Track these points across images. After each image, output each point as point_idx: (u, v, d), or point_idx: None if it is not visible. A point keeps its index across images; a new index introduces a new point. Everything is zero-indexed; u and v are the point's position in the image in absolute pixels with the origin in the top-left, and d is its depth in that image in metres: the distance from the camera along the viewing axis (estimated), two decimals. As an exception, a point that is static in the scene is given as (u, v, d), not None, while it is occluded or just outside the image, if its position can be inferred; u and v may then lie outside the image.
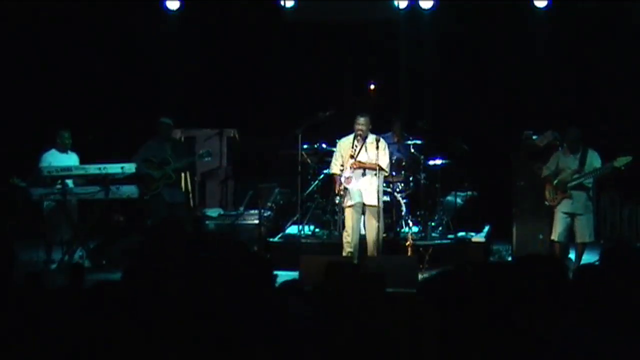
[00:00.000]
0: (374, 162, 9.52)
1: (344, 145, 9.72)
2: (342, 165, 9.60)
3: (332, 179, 9.93)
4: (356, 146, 9.52)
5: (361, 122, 9.54)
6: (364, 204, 9.60)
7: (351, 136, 9.65)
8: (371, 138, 9.65)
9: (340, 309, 3.83)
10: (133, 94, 12.84)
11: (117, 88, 12.84)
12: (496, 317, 3.40)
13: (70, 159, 10.80)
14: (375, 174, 9.56)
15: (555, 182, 9.81)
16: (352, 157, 9.51)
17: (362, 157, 9.56)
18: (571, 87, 12.43)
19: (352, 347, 3.69)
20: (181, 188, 10.85)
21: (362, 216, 9.70)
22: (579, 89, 12.39)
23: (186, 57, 13.20)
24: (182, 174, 11.02)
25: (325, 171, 10.43)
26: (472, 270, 3.86)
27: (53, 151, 10.77)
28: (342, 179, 9.47)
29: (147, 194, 10.58)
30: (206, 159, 11.08)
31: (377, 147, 9.56)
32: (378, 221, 9.63)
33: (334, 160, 9.83)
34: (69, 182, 10.63)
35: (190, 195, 10.95)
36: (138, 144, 10.84)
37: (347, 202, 9.52)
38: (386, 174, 9.73)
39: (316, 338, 3.69)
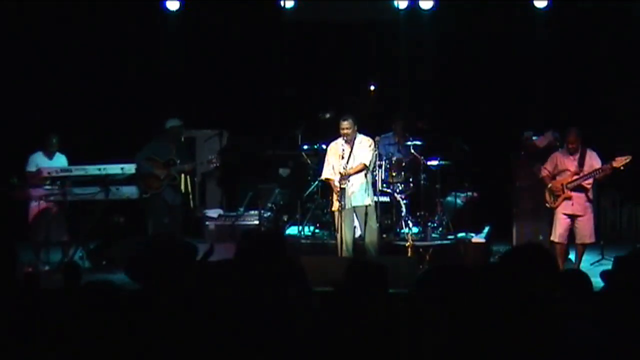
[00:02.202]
0: (358, 164, 9.57)
1: (333, 149, 9.78)
2: (333, 168, 9.65)
3: (327, 183, 9.94)
4: (345, 149, 9.55)
5: (345, 125, 9.58)
6: (356, 207, 9.61)
7: (340, 140, 9.70)
8: (359, 138, 9.70)
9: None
10: (133, 94, 12.80)
11: (116, 88, 12.80)
12: (496, 318, 3.39)
13: (57, 162, 10.81)
14: (365, 175, 9.60)
15: (549, 186, 9.80)
16: (342, 157, 9.54)
17: (353, 159, 9.58)
18: (571, 87, 12.39)
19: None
20: (180, 190, 10.81)
21: (355, 218, 9.71)
22: (578, 89, 12.36)
23: (186, 57, 13.17)
24: (182, 176, 10.98)
25: (318, 179, 10.46)
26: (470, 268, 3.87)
27: (39, 153, 10.80)
28: (336, 182, 9.51)
29: (148, 192, 10.55)
30: (213, 166, 11.05)
31: (364, 147, 9.65)
32: (373, 221, 9.65)
33: (325, 165, 9.85)
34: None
35: (191, 196, 10.87)
36: (138, 144, 10.81)
37: (339, 205, 9.50)
38: (366, 171, 9.70)
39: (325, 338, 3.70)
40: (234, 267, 4.05)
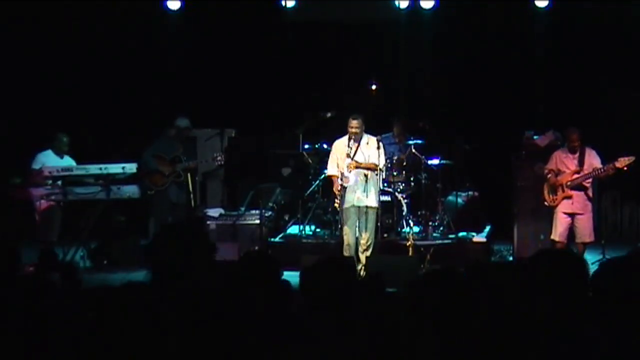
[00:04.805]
0: (370, 162, 9.56)
1: (339, 146, 9.74)
2: (338, 166, 9.63)
3: (330, 180, 9.94)
4: (351, 147, 9.52)
5: (354, 124, 9.55)
6: (360, 206, 9.59)
7: (346, 137, 9.66)
8: (366, 138, 9.68)
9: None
10: (133, 93, 12.77)
11: (117, 88, 12.77)
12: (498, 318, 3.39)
13: (66, 163, 10.80)
14: (370, 175, 9.57)
15: (550, 180, 9.77)
16: (348, 156, 9.51)
17: (359, 158, 9.57)
18: (572, 87, 12.31)
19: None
20: (184, 189, 10.80)
21: (358, 217, 9.67)
22: (580, 88, 12.30)
23: (186, 56, 13.15)
24: (188, 175, 10.95)
25: (324, 171, 10.48)
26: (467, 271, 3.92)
27: (49, 152, 10.79)
28: (340, 179, 9.48)
29: (153, 189, 10.56)
30: (218, 163, 11.01)
31: (373, 147, 9.61)
32: (373, 222, 9.64)
33: (330, 162, 9.85)
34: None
35: (192, 195, 10.85)
36: (138, 143, 10.86)
37: (344, 203, 9.51)
38: (377, 172, 9.69)
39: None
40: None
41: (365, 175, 9.56)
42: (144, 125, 12.09)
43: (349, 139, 9.58)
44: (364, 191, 9.56)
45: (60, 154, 10.81)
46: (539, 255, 3.51)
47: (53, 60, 12.63)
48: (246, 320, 3.68)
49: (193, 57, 13.16)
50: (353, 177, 9.51)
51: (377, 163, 9.59)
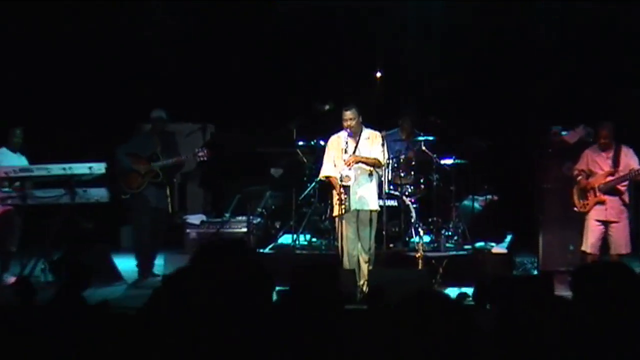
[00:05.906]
0: (375, 158, 8.92)
1: (334, 142, 9.08)
2: (334, 165, 8.98)
3: (328, 182, 9.26)
4: (348, 142, 8.85)
5: (348, 115, 8.86)
6: (361, 210, 8.92)
7: (342, 133, 9.00)
8: (367, 133, 9.03)
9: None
10: (108, 85, 12.31)
11: (89, 78, 12.29)
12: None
13: (19, 161, 10.28)
14: (371, 175, 8.90)
15: (580, 182, 9.20)
16: (345, 151, 8.84)
17: (358, 153, 8.95)
18: (607, 77, 11.77)
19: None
20: (166, 191, 10.23)
21: (359, 223, 9.01)
22: (614, 79, 11.77)
23: (168, 43, 12.83)
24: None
25: (316, 179, 10.09)
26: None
27: (4, 149, 10.31)
28: (340, 180, 8.77)
29: (128, 192, 10.00)
30: (200, 159, 10.35)
31: (376, 143, 8.97)
32: (374, 228, 8.99)
33: (325, 162, 9.17)
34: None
35: (169, 199, 10.30)
36: (110, 140, 10.43)
37: (343, 210, 8.81)
38: (379, 171, 9.10)
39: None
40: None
41: (369, 172, 8.87)
42: (119, 120, 11.70)
43: (346, 133, 8.92)
44: (367, 191, 8.89)
45: (14, 150, 10.30)
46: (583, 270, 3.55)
47: (40, 55, 12.14)
48: (236, 336, 3.62)
49: (174, 44, 12.84)
50: (353, 175, 8.81)
51: (379, 158, 8.90)
